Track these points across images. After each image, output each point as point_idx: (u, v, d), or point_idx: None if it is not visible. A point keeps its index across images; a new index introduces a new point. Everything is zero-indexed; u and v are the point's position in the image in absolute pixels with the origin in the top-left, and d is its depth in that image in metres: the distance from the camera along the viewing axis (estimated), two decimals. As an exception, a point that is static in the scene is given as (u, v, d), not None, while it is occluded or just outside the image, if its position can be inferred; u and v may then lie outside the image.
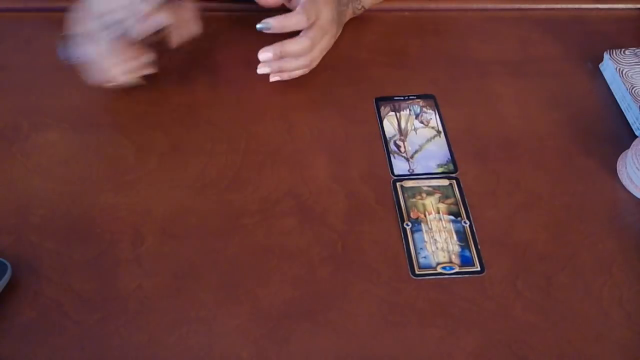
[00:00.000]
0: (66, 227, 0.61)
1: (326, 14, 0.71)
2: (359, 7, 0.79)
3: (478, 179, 0.66)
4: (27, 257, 0.59)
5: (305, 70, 0.73)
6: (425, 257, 0.60)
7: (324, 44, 0.73)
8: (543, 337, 0.55)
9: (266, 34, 0.70)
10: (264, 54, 0.70)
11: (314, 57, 0.72)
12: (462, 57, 0.79)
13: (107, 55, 0.66)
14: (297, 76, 0.73)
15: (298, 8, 0.69)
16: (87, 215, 0.62)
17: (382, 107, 0.73)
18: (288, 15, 0.69)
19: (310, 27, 0.70)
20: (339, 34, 0.76)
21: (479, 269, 0.59)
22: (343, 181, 0.66)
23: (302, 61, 0.71)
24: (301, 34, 0.70)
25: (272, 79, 0.73)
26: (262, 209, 0.63)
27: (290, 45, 0.70)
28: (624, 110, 0.73)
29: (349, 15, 0.78)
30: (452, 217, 0.63)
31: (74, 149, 0.68)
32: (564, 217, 0.63)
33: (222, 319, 0.55)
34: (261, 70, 0.71)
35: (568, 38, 0.82)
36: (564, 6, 0.86)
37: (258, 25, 0.69)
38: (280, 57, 0.70)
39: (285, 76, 0.73)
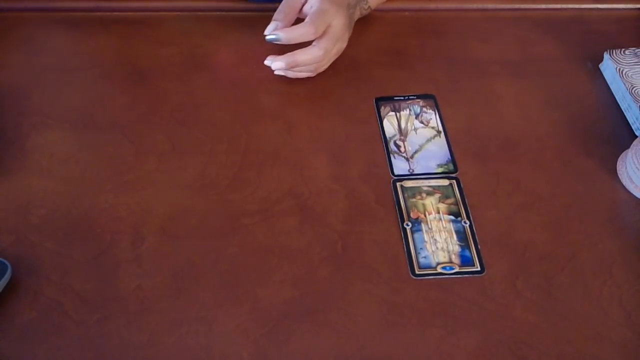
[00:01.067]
0: (66, 227, 0.61)
1: (338, 21, 0.71)
2: (366, 6, 0.79)
3: (478, 179, 0.66)
4: (27, 257, 0.59)
5: (313, 74, 0.74)
6: (425, 257, 0.60)
7: (335, 50, 0.73)
8: (543, 337, 0.55)
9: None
10: (277, 64, 0.71)
11: (323, 63, 0.73)
12: (462, 57, 0.79)
13: None
14: (302, 77, 0.74)
15: (307, 19, 0.69)
16: (87, 215, 0.62)
17: (382, 107, 0.73)
18: (296, 27, 0.69)
19: (322, 36, 0.70)
20: (349, 36, 0.76)
21: (479, 269, 0.59)
22: (343, 181, 0.66)
23: (309, 66, 0.72)
24: (314, 43, 0.70)
25: (277, 72, 0.74)
26: (262, 209, 0.63)
27: (302, 56, 0.70)
28: (624, 110, 0.73)
29: (357, 16, 0.78)
30: (452, 217, 0.63)
31: (74, 149, 0.68)
32: (564, 217, 0.63)
33: (222, 319, 0.55)
34: (275, 66, 0.71)
35: (568, 38, 0.82)
36: (564, 6, 0.86)
37: (267, 37, 0.70)
38: (292, 67, 0.71)
39: (290, 74, 0.74)
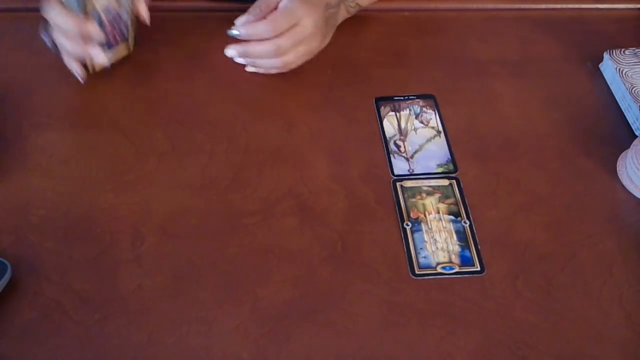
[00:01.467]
0: (66, 227, 0.61)
1: (307, 21, 0.70)
2: (353, 4, 0.78)
3: (478, 179, 0.66)
4: (27, 257, 0.59)
5: (282, 70, 0.73)
6: (425, 257, 0.60)
7: (302, 49, 0.71)
8: (543, 337, 0.55)
9: None
10: (228, 51, 0.72)
11: (288, 61, 0.72)
12: (462, 57, 0.79)
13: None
14: (274, 73, 0.74)
15: (268, 17, 0.70)
16: (87, 215, 0.62)
17: (382, 107, 0.73)
18: (257, 23, 0.70)
19: (281, 33, 0.69)
20: (329, 36, 0.75)
21: (479, 269, 0.59)
22: (343, 181, 0.66)
23: (274, 62, 0.72)
24: (271, 38, 0.70)
25: (248, 69, 0.75)
26: (262, 209, 0.63)
27: (254, 48, 0.71)
28: (624, 110, 0.73)
29: (342, 15, 0.78)
30: (452, 217, 0.63)
31: (74, 149, 0.68)
32: (564, 217, 0.63)
33: (222, 319, 0.55)
34: (228, 53, 0.73)
35: (568, 38, 0.82)
36: (564, 6, 0.86)
37: (228, 32, 0.71)
38: (243, 56, 0.72)
39: (262, 71, 0.74)
